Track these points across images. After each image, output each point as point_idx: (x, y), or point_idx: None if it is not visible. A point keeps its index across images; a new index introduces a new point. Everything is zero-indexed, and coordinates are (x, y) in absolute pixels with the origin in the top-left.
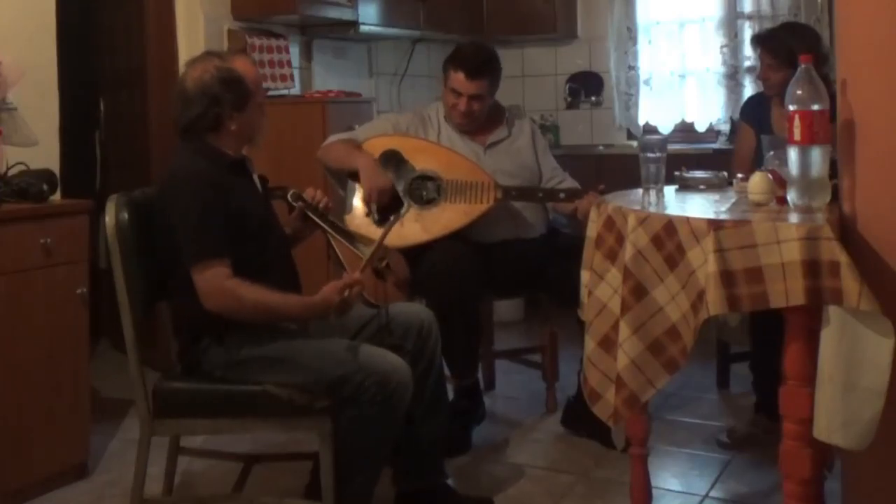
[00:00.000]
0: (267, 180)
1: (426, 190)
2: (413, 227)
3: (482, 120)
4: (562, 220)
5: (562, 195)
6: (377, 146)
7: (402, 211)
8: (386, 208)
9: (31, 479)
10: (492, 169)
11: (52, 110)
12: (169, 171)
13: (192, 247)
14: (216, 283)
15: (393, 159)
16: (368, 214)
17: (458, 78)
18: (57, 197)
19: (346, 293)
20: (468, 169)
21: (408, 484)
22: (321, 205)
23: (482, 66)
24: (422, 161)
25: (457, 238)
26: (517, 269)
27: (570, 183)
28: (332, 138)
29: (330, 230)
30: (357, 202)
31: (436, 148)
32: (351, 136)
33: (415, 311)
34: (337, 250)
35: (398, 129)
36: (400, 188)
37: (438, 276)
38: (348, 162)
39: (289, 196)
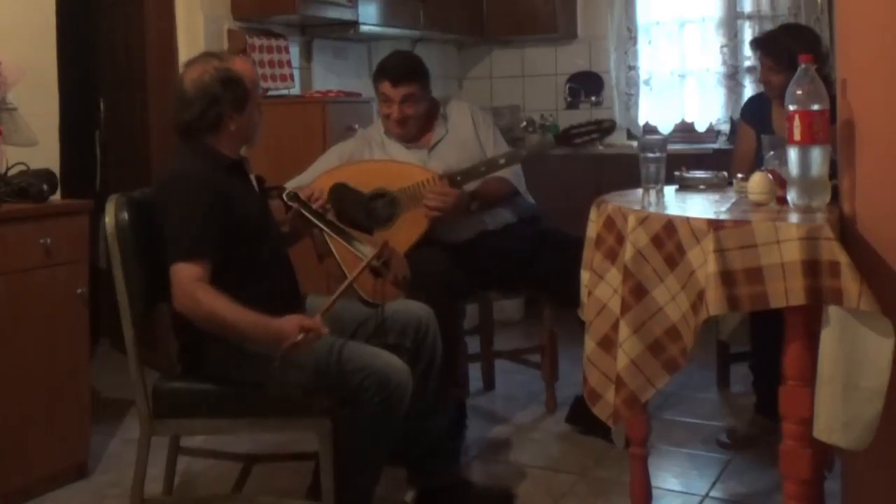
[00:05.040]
0: (264, 180)
1: (380, 208)
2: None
3: (421, 123)
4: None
5: (502, 161)
6: (325, 182)
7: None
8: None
9: (31, 479)
10: (440, 168)
11: (52, 110)
12: (166, 172)
13: (172, 245)
14: (182, 282)
15: (340, 192)
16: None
17: (385, 86)
18: (57, 197)
19: (302, 336)
20: (409, 172)
21: (424, 481)
22: (317, 204)
23: (406, 73)
24: (370, 182)
25: (427, 245)
26: (498, 260)
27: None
28: None
29: (326, 229)
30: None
31: (377, 164)
32: (300, 180)
33: (412, 308)
34: (333, 249)
35: (343, 158)
36: (359, 216)
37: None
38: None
39: (284, 196)
